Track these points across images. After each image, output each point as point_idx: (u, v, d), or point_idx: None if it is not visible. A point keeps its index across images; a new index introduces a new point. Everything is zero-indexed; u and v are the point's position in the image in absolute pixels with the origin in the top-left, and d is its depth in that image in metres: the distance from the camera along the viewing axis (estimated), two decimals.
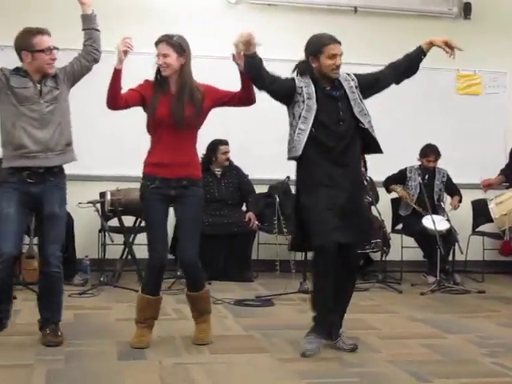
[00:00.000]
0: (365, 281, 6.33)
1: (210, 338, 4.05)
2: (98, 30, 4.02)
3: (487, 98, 7.64)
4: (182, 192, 3.90)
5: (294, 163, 3.96)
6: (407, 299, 5.76)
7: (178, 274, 5.80)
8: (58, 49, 3.85)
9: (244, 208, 6.79)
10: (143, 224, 5.83)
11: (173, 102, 3.85)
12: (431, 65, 4.45)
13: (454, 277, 6.40)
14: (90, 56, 3.99)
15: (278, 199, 6.03)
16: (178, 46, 3.86)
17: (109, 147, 6.73)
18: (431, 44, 3.97)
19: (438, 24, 7.34)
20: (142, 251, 5.78)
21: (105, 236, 6.13)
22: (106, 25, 4.08)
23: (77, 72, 3.97)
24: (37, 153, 3.81)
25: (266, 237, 6.73)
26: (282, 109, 3.99)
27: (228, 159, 6.70)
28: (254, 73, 3.81)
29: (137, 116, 4.01)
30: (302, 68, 3.96)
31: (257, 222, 6.59)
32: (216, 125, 4.71)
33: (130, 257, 6.20)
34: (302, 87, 3.88)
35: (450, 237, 6.37)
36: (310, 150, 3.82)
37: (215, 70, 5.70)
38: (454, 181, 6.91)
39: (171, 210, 3.99)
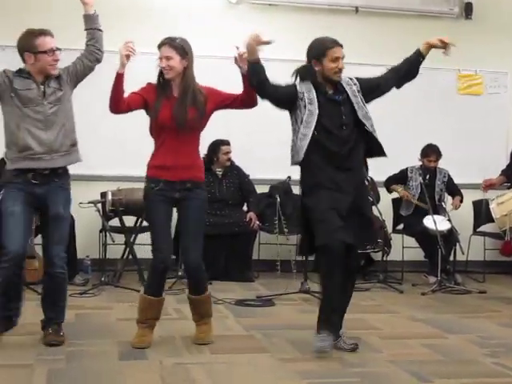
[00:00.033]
0: (366, 281, 6.33)
1: (210, 338, 4.05)
2: (100, 30, 4.02)
3: (488, 98, 7.63)
4: (186, 194, 3.90)
5: (296, 165, 3.96)
6: (408, 299, 5.76)
7: (180, 274, 5.81)
8: (60, 50, 3.84)
9: (245, 208, 6.78)
10: (144, 224, 5.85)
11: (175, 106, 3.84)
12: (432, 65, 4.44)
13: (455, 277, 6.39)
14: (92, 56, 3.98)
15: (278, 199, 6.03)
16: (181, 48, 3.86)
17: (111, 147, 6.72)
18: (428, 45, 3.98)
19: (439, 24, 7.31)
20: (143, 251, 5.81)
21: (106, 236, 6.12)
22: (106, 25, 4.08)
23: (80, 72, 3.96)
24: (42, 154, 3.81)
25: (266, 237, 6.72)
26: (283, 111, 3.98)
27: (229, 159, 6.69)
28: (256, 79, 3.79)
29: (139, 116, 4.00)
30: (303, 73, 3.95)
31: (258, 222, 6.58)
32: (218, 127, 4.71)
33: (130, 257, 6.21)
34: (303, 92, 3.87)
35: (451, 237, 6.37)
36: (313, 154, 3.82)
37: (215, 70, 5.71)
38: (455, 181, 6.91)
39: (174, 213, 3.99)
